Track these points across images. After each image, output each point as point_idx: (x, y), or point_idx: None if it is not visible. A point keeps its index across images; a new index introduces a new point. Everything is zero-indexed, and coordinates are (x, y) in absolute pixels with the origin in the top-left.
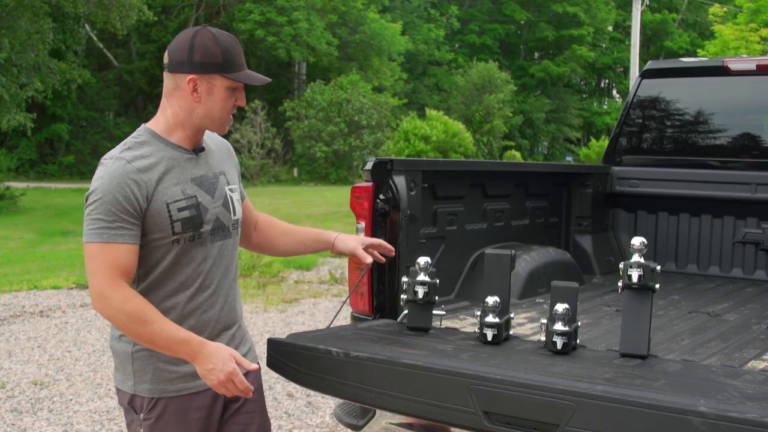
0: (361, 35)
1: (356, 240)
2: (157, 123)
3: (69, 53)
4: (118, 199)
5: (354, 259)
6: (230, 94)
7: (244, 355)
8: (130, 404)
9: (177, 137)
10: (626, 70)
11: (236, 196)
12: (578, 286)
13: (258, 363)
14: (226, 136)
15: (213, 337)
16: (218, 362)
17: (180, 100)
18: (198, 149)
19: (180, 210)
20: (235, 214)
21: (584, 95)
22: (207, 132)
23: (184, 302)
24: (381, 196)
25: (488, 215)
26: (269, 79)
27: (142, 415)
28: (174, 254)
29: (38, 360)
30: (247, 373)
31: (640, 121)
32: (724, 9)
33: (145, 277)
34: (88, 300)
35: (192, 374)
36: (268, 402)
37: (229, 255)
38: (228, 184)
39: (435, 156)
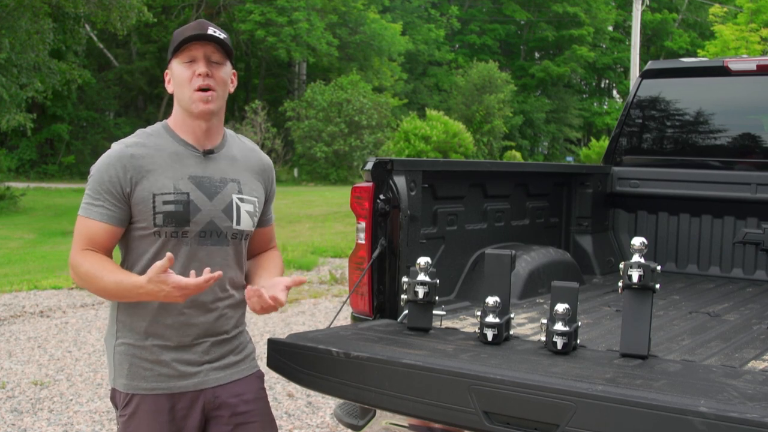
0: (361, 35)
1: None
2: (172, 117)
3: (69, 53)
4: (104, 179)
5: (354, 259)
6: (187, 68)
7: (239, 363)
8: (112, 398)
9: (184, 132)
10: (626, 70)
11: (247, 208)
12: (578, 286)
13: (260, 371)
14: None
15: (191, 340)
16: (158, 292)
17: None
18: (207, 150)
19: (165, 203)
20: (238, 224)
21: (584, 95)
22: (240, 143)
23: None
24: (381, 196)
25: (488, 215)
26: (208, 31)
27: (119, 411)
28: (156, 247)
29: (38, 360)
30: (244, 379)
31: (641, 121)
32: (725, 9)
33: (131, 268)
34: (88, 300)
35: (167, 375)
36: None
37: (223, 263)
38: (239, 193)
39: (435, 156)
